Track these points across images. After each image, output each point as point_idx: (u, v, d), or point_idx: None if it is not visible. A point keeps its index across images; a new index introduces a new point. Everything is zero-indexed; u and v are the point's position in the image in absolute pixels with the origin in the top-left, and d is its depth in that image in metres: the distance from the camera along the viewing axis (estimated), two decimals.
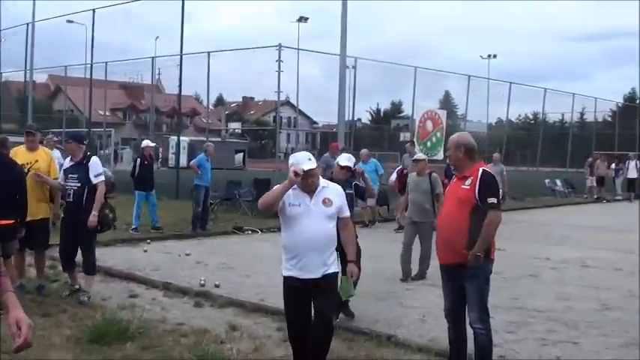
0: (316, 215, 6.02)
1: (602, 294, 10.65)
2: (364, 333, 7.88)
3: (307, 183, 6.01)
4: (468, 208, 6.12)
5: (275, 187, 6.23)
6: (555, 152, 41.04)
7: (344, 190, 6.45)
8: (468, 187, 6.16)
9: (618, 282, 11.75)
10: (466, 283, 6.19)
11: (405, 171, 17.40)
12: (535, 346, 7.67)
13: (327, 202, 6.08)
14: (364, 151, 19.66)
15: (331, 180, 6.90)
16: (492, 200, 6.07)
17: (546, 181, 32.91)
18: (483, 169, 6.24)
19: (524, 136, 48.80)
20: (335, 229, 6.18)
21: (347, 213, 6.37)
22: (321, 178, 6.23)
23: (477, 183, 6.11)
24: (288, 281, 6.10)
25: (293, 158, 6.11)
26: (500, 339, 7.78)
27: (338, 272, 6.26)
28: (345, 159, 8.80)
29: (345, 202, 6.34)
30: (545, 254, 14.57)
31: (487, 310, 6.25)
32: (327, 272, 6.04)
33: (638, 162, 32.54)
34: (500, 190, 6.37)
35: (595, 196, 32.26)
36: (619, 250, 15.61)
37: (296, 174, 5.89)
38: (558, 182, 33.02)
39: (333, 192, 6.19)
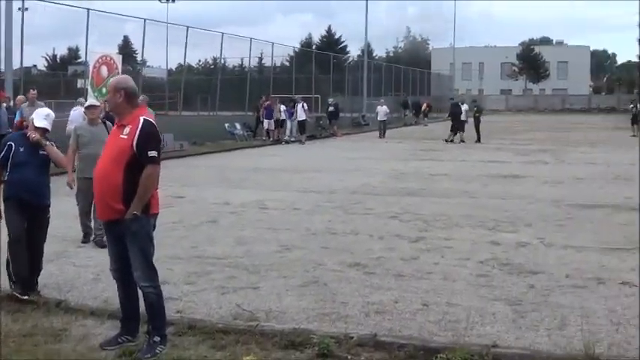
0: None
1: (282, 235, 10.90)
2: (31, 302, 7.13)
3: None
4: (124, 159, 5.74)
5: None
6: (235, 97, 41.90)
7: None
8: (126, 137, 5.78)
9: (297, 221, 12.16)
10: (127, 241, 5.83)
11: (25, 123, 15.98)
12: (215, 296, 7.55)
13: None
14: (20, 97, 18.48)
15: None
16: (152, 153, 5.75)
17: (226, 125, 33.45)
18: (145, 118, 5.87)
19: (205, 81, 49.20)
20: None
21: None
22: None
23: (137, 133, 5.75)
24: None
25: None
26: (180, 292, 7.61)
27: None
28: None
29: None
30: (224, 199, 14.67)
31: (153, 267, 5.94)
32: None
33: (304, 104, 34.61)
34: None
35: (272, 139, 33.74)
36: (297, 190, 16.25)
37: None
38: (238, 126, 33.76)
39: None
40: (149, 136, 5.78)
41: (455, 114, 34.41)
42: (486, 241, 10.47)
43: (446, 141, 32.92)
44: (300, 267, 8.81)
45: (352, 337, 6.03)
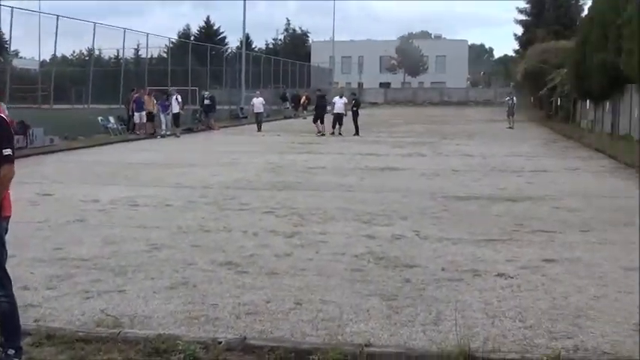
0: None
1: (152, 233, 10.52)
2: None
3: None
4: None
5: None
6: (110, 89, 40.68)
7: None
8: None
9: (168, 219, 11.79)
10: None
11: None
12: (77, 301, 7.14)
13: None
14: None
15: None
16: (7, 152, 5.33)
17: (99, 118, 32.36)
18: None
19: (79, 73, 47.55)
20: None
21: None
22: None
23: None
24: None
25: None
26: (40, 298, 7.18)
27: None
28: None
29: None
30: (94, 196, 14.11)
31: (6, 274, 5.50)
32: None
33: (178, 97, 34.19)
34: None
35: (145, 132, 32.92)
36: (169, 185, 15.80)
37: None
38: (111, 119, 32.73)
39: None
40: (2, 134, 5.34)
41: (320, 106, 34.75)
42: (362, 235, 10.43)
43: (320, 133, 33.16)
44: (170, 267, 8.47)
45: (220, 342, 5.77)
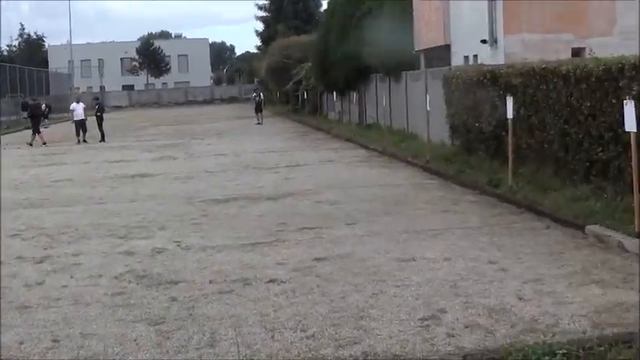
0: None
1: None
2: None
3: None
4: None
5: None
6: None
7: None
8: None
9: None
10: None
11: None
12: None
13: None
14: None
15: None
16: None
17: None
18: None
19: None
20: None
21: None
22: None
23: None
24: None
25: None
26: None
27: None
28: None
29: None
30: None
31: None
32: None
33: None
34: None
35: None
36: None
37: None
38: None
39: None
40: None
41: (35, 115, 33.14)
42: (119, 252, 9.64)
43: (29, 144, 31.31)
44: None
45: None
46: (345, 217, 11.44)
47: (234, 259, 8.98)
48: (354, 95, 30.66)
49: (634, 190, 8.63)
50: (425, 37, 23.22)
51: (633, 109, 8.32)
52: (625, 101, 8.48)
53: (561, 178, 11.78)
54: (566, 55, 15.99)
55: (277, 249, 9.43)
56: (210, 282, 7.99)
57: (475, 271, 7.96)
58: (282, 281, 7.85)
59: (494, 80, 14.18)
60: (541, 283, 7.38)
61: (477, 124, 15.15)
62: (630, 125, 8.37)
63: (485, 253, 8.74)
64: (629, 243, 8.37)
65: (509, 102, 12.51)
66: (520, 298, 6.92)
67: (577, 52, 16.29)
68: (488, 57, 17.63)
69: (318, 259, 8.74)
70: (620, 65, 9.76)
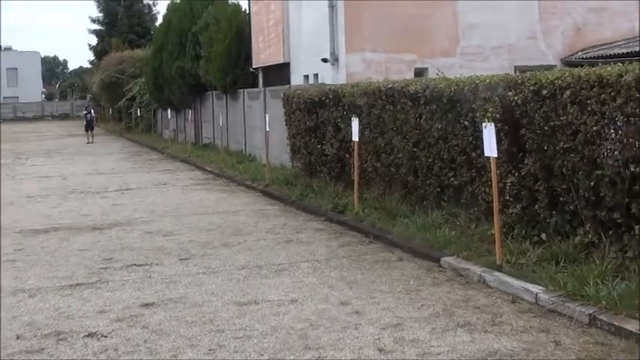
0: None
1: None
2: None
3: None
4: None
5: None
6: None
7: None
8: None
9: None
10: None
11: None
12: None
13: None
14: None
15: None
16: None
17: None
18: None
19: None
20: None
21: None
22: None
23: None
24: None
25: None
26: None
27: None
28: None
29: None
30: None
31: None
32: None
33: None
34: None
35: None
36: None
37: None
38: None
39: None
40: None
41: None
42: None
43: None
44: None
45: None
46: (179, 251, 10.16)
47: (49, 306, 7.53)
48: (190, 113, 29.28)
49: (494, 218, 7.92)
50: (263, 53, 22.24)
51: (494, 132, 7.59)
52: (484, 124, 7.74)
53: (411, 203, 11.05)
54: (410, 75, 15.45)
55: (100, 292, 8.04)
56: (18, 337, 6.54)
57: (326, 315, 6.95)
58: (102, 335, 6.53)
59: (338, 100, 13.36)
60: (401, 328, 6.46)
61: (319, 146, 14.29)
62: (490, 150, 7.65)
63: (336, 291, 7.77)
64: (491, 277, 7.63)
65: (355, 123, 11.69)
66: (380, 350, 5.97)
67: (420, 73, 15.79)
68: (330, 76, 16.86)
69: (146, 305, 7.44)
70: (474, 85, 9.10)
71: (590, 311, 6.32)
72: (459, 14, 16.63)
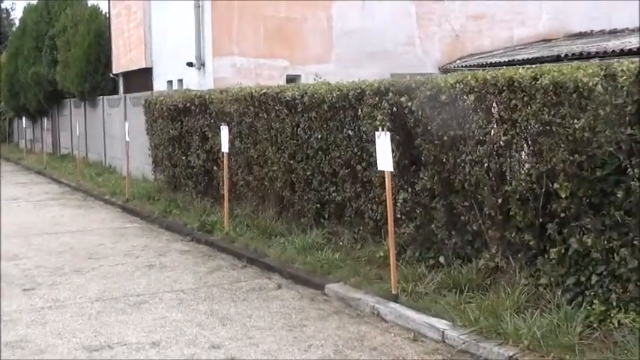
0: None
1: None
2: None
3: None
4: None
5: None
6: None
7: None
8: None
9: None
10: None
11: None
12: None
13: None
14: None
15: None
16: None
17: None
18: None
19: None
20: None
21: None
22: None
23: None
24: None
25: None
26: None
27: None
28: None
29: None
30: None
31: None
32: None
33: None
34: None
35: None
36: None
37: None
38: None
39: None
40: None
41: None
42: None
43: None
44: None
45: None
46: (24, 280, 8.45)
47: None
48: (46, 122, 26.89)
49: (390, 241, 6.76)
50: (124, 58, 20.42)
51: (389, 142, 6.43)
52: (377, 133, 6.57)
53: (287, 221, 9.76)
54: (282, 82, 14.19)
55: None
56: None
57: None
58: None
59: (205, 107, 11.94)
60: None
61: (184, 157, 12.80)
62: (385, 162, 6.48)
63: (206, 331, 6.37)
64: (387, 310, 6.43)
65: (224, 132, 10.32)
66: None
67: (292, 79, 14.55)
68: (196, 82, 15.36)
69: None
70: (359, 90, 7.92)
71: (511, 353, 5.20)
72: (333, 18, 15.50)
